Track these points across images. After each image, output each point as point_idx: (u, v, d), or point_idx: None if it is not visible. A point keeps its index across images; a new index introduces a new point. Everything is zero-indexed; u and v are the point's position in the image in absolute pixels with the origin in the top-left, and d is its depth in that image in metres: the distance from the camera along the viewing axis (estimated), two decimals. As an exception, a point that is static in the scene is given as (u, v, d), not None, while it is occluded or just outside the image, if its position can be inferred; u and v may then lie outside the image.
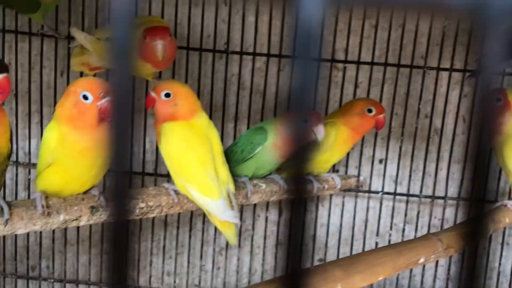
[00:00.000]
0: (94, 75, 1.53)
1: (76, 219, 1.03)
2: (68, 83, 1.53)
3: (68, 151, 0.99)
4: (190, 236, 1.64)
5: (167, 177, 1.59)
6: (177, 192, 1.17)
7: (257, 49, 1.54)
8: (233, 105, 1.58)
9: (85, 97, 0.98)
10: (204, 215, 1.64)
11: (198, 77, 1.55)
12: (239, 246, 1.66)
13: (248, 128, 1.58)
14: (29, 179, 1.60)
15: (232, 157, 1.28)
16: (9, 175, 1.58)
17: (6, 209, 0.93)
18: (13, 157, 1.60)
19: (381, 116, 1.38)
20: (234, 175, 1.23)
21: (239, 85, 1.56)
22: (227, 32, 1.52)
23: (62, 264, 1.65)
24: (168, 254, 1.67)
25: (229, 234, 1.15)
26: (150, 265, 1.66)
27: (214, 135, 1.18)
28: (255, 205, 1.61)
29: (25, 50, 1.55)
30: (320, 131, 1.22)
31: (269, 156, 1.28)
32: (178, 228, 1.64)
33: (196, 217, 1.65)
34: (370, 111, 1.37)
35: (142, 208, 1.12)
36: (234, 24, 1.53)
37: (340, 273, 0.78)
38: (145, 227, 1.64)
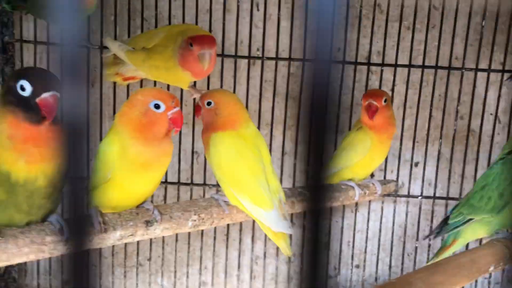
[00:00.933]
0: (128, 86, 1.51)
1: (132, 235, 1.00)
2: (101, 93, 1.51)
3: (131, 164, 0.96)
4: (227, 246, 1.62)
5: (203, 186, 1.57)
6: (227, 203, 1.14)
7: (292, 54, 1.52)
8: (268, 111, 1.56)
9: (157, 106, 0.96)
10: (241, 225, 1.61)
11: (233, 84, 1.53)
12: (277, 254, 1.63)
13: (283, 134, 1.56)
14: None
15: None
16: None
17: (66, 227, 0.90)
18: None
19: (367, 102, 1.32)
20: None
21: (274, 91, 1.54)
22: (262, 38, 1.50)
23: (98, 277, 1.62)
24: (204, 264, 1.64)
25: (283, 244, 1.13)
26: (187, 276, 1.63)
27: (263, 144, 1.16)
28: (292, 213, 1.59)
29: (56, 62, 1.52)
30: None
31: None
32: (215, 238, 1.61)
33: (231, 226, 1.62)
34: (385, 101, 1.33)
35: (195, 220, 1.09)
36: (268, 29, 1.51)
37: (423, 285, 0.76)
38: (181, 237, 1.61)
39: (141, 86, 1.52)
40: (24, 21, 1.50)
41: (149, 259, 1.64)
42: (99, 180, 0.99)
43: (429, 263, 1.19)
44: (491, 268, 0.91)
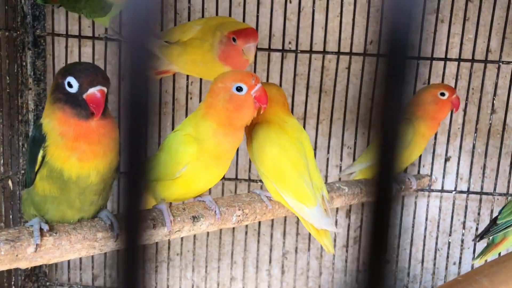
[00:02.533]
0: (160, 80, 1.50)
1: (179, 230, 0.99)
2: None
3: (208, 158, 0.97)
4: (258, 241, 1.61)
5: (234, 180, 1.55)
6: (269, 199, 1.13)
7: (326, 47, 1.50)
8: (300, 105, 1.54)
9: (239, 89, 0.94)
10: (272, 219, 1.60)
11: (266, 77, 1.51)
12: (308, 249, 1.62)
13: (316, 128, 1.54)
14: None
15: None
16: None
17: (116, 223, 0.89)
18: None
19: (454, 96, 1.34)
20: None
21: (308, 84, 1.52)
22: (296, 30, 1.48)
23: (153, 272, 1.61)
24: (234, 259, 1.63)
25: (326, 242, 1.11)
26: (218, 271, 1.62)
27: (305, 138, 1.14)
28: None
29: (87, 55, 1.51)
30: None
31: None
32: (246, 233, 1.60)
33: (262, 222, 1.61)
34: (443, 94, 1.34)
35: (239, 216, 1.08)
36: (301, 22, 1.49)
37: (487, 283, 0.75)
38: (212, 232, 1.60)
39: (173, 81, 1.51)
40: (56, 15, 1.48)
41: (180, 254, 1.63)
42: (165, 176, 0.98)
43: (478, 261, 1.18)
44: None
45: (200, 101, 1.51)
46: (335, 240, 1.61)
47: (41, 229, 0.82)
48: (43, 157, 0.83)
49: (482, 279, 0.73)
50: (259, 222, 1.60)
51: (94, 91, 0.84)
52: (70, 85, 0.84)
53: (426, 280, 1.65)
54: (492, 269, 0.79)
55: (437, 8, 1.48)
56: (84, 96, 0.84)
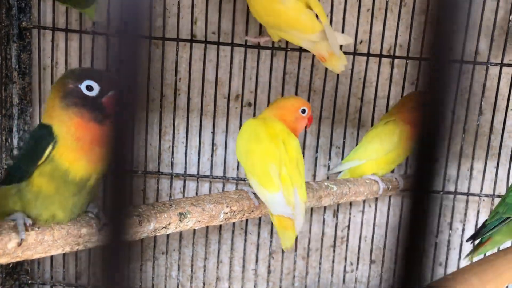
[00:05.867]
0: (148, 75, 1.48)
1: (165, 227, 0.97)
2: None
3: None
4: (245, 240, 1.59)
5: (222, 179, 1.54)
6: (256, 196, 1.12)
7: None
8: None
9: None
10: (259, 219, 1.59)
11: (256, 73, 1.50)
12: (295, 249, 1.61)
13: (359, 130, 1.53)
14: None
15: None
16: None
17: (102, 214, 0.88)
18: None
19: None
20: None
21: (297, 83, 1.51)
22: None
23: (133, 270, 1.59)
24: (220, 258, 1.62)
25: (285, 236, 1.08)
26: (204, 270, 1.61)
27: (291, 141, 1.14)
28: (311, 208, 1.57)
29: (74, 49, 1.48)
30: None
31: None
32: (232, 232, 1.59)
33: (249, 220, 1.60)
34: None
35: (227, 213, 1.06)
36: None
37: (476, 281, 0.75)
38: (198, 231, 1.59)
39: (162, 77, 1.49)
40: (42, 7, 1.46)
41: (165, 253, 1.61)
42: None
43: (469, 259, 1.18)
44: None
45: (188, 97, 1.50)
46: (322, 240, 1.61)
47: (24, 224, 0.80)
48: (49, 154, 0.81)
49: (471, 277, 0.73)
50: (246, 221, 1.59)
51: (113, 94, 0.84)
52: (89, 89, 0.84)
53: (412, 281, 1.64)
54: (480, 268, 0.79)
55: (426, 9, 1.48)
56: (103, 99, 0.85)
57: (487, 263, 0.81)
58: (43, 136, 0.82)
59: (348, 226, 1.61)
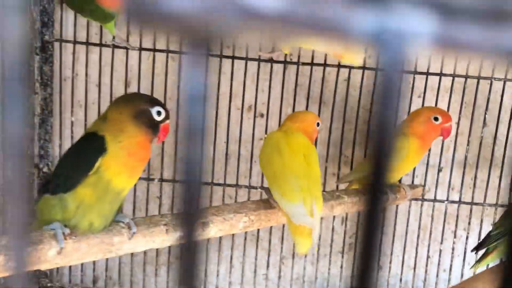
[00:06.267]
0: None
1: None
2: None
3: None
4: (257, 246, 1.65)
5: (235, 186, 1.60)
6: (272, 205, 1.19)
7: (327, 61, 1.56)
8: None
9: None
10: (271, 227, 1.65)
11: (268, 87, 1.56)
12: (305, 255, 1.67)
13: (367, 141, 1.59)
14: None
15: None
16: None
17: (132, 223, 0.95)
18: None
19: (447, 124, 1.40)
20: None
21: (308, 95, 1.57)
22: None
23: (129, 275, 1.65)
24: (233, 263, 1.68)
25: (301, 243, 1.14)
26: (217, 275, 1.66)
27: (312, 155, 1.20)
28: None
29: (94, 62, 1.54)
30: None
31: None
32: (245, 238, 1.64)
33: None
34: (436, 119, 1.39)
35: (246, 222, 1.12)
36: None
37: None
38: (212, 238, 1.64)
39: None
40: (64, 21, 1.52)
41: (179, 258, 1.66)
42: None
43: (473, 270, 1.23)
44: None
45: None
46: (331, 246, 1.67)
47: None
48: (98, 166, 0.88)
49: (479, 286, 0.79)
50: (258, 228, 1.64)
51: (168, 122, 0.99)
52: (159, 114, 0.96)
53: (417, 286, 1.70)
54: (489, 277, 0.85)
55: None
56: (162, 125, 0.97)
57: (496, 273, 0.87)
58: (97, 148, 0.89)
59: (356, 233, 1.67)
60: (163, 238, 0.99)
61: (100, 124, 0.95)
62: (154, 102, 0.97)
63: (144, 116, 0.94)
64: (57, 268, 1.64)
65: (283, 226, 1.64)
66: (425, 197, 1.63)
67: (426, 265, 1.67)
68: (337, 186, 1.61)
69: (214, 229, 1.07)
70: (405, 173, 1.50)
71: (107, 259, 1.63)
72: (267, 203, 1.19)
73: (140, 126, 0.93)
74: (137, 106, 0.95)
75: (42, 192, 0.94)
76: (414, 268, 1.68)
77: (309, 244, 1.15)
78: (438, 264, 1.67)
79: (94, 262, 1.63)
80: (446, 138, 1.43)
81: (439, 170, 1.64)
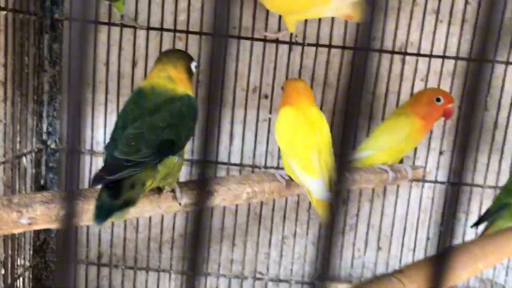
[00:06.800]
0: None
1: (196, 204, 1.06)
2: (145, 73, 1.56)
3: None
4: (259, 225, 1.68)
5: (239, 166, 1.63)
6: (282, 177, 1.22)
7: (332, 42, 1.58)
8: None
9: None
10: (273, 205, 1.68)
11: (273, 68, 1.59)
12: (306, 234, 1.70)
13: (370, 123, 1.62)
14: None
15: None
16: (87, 164, 1.61)
17: (179, 193, 1.02)
18: (89, 146, 1.62)
19: (450, 105, 1.42)
20: None
21: (313, 77, 1.60)
22: (304, 25, 1.56)
23: (133, 251, 1.68)
24: (235, 241, 1.71)
25: (322, 213, 1.19)
26: (220, 253, 1.70)
27: (323, 126, 1.23)
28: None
29: (102, 41, 1.57)
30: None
31: None
32: (248, 216, 1.67)
33: (264, 206, 1.69)
34: (438, 100, 1.42)
35: (249, 193, 1.15)
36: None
37: (479, 251, 0.83)
38: (215, 216, 1.67)
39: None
40: None
41: (183, 235, 1.70)
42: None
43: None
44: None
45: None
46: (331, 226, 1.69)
47: None
48: None
49: (474, 248, 0.82)
50: (261, 207, 1.67)
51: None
52: (196, 68, 1.12)
53: (417, 268, 1.73)
54: (482, 241, 0.88)
55: (437, 9, 1.56)
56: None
57: (488, 238, 0.90)
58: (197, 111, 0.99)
59: (357, 214, 1.70)
60: (169, 205, 1.02)
61: (171, 83, 1.03)
62: (191, 57, 1.11)
63: (191, 72, 1.08)
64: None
65: (285, 204, 1.67)
66: (426, 179, 1.65)
67: (426, 247, 1.70)
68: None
69: (219, 198, 1.10)
70: (407, 152, 1.53)
71: (112, 236, 1.66)
72: (271, 176, 1.22)
73: (191, 81, 1.06)
74: (187, 63, 1.08)
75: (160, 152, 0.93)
76: (414, 250, 1.70)
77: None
78: (438, 246, 1.69)
79: (99, 238, 1.66)
80: (448, 119, 1.46)
81: (441, 153, 1.67)
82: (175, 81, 1.03)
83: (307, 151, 1.17)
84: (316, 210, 1.21)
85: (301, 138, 1.19)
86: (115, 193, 0.83)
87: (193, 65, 1.10)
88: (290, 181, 1.24)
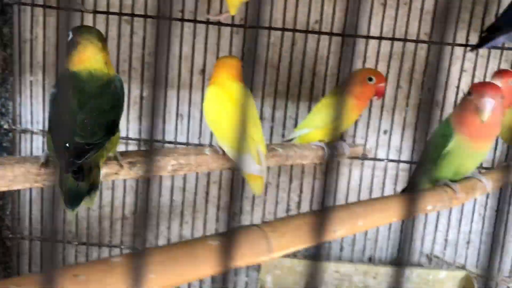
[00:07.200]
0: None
1: (116, 173, 1.12)
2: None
3: None
4: (206, 201, 1.75)
5: (186, 145, 1.69)
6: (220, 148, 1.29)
7: (272, 24, 1.64)
8: (248, 78, 1.68)
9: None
10: (220, 183, 1.74)
11: (216, 50, 1.65)
12: (252, 210, 1.76)
13: (262, 100, 1.68)
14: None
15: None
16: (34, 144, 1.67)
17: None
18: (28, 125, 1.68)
19: (381, 85, 1.48)
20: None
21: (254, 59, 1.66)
22: (245, 7, 1.61)
23: (85, 228, 1.75)
24: (185, 219, 1.77)
25: (254, 186, 1.25)
26: (168, 229, 1.76)
27: (248, 100, 1.29)
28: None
29: (52, 25, 1.63)
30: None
31: None
32: (195, 194, 1.74)
33: (211, 184, 1.75)
34: (370, 79, 1.47)
35: (174, 165, 1.21)
36: None
37: (361, 210, 0.89)
38: (164, 193, 1.74)
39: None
40: (22, -15, 1.60)
41: (134, 213, 1.76)
42: None
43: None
44: (429, 207, 1.05)
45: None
46: (276, 204, 1.76)
47: None
48: None
49: (355, 207, 0.88)
50: (208, 185, 1.74)
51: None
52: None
53: (360, 246, 1.80)
54: (370, 203, 0.94)
55: (372, -8, 1.62)
56: None
57: (378, 201, 0.96)
58: None
59: (301, 191, 1.76)
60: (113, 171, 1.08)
61: (105, 67, 1.07)
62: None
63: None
64: (18, 221, 1.74)
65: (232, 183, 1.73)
66: (366, 156, 1.71)
67: (368, 223, 1.76)
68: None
69: (142, 169, 1.15)
70: (343, 130, 1.59)
71: (64, 214, 1.73)
72: (198, 150, 1.28)
73: None
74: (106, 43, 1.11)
75: None
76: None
77: (261, 185, 1.26)
78: (380, 221, 1.76)
79: (53, 216, 1.72)
80: (380, 97, 1.52)
81: (383, 133, 1.73)
82: (108, 64, 1.07)
83: (232, 128, 1.23)
84: (248, 182, 1.28)
85: (225, 116, 1.24)
86: (79, 177, 0.93)
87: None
88: (223, 155, 1.29)
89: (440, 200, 1.07)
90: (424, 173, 1.30)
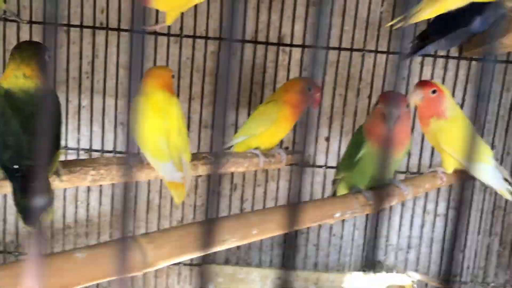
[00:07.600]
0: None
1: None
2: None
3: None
4: (147, 210, 1.75)
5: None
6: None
7: (209, 34, 1.66)
8: (187, 86, 1.69)
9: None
10: (160, 192, 1.75)
11: (153, 60, 1.66)
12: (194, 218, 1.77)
13: (201, 108, 1.69)
14: None
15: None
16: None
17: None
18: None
19: (318, 94, 1.50)
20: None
21: (192, 68, 1.67)
22: (181, 17, 1.63)
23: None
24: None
25: (175, 193, 1.26)
26: (146, 223, 1.77)
27: (173, 110, 1.29)
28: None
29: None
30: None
31: None
32: (135, 203, 1.75)
33: (153, 193, 1.76)
34: (309, 89, 1.49)
35: (93, 175, 1.22)
36: (191, 10, 1.64)
37: (256, 219, 0.90)
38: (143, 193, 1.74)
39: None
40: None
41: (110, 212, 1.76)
42: None
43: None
44: (337, 215, 1.07)
45: (92, 80, 1.64)
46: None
47: None
48: None
49: (250, 217, 0.89)
50: (148, 192, 1.74)
51: None
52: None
53: (308, 249, 1.82)
54: (266, 212, 0.95)
55: (307, 1, 1.64)
56: None
57: (276, 210, 0.97)
58: None
59: (247, 199, 1.78)
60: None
61: (37, 82, 1.07)
62: (45, 48, 1.10)
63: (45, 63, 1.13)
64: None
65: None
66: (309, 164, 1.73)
67: (308, 228, 1.78)
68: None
69: (65, 179, 1.16)
70: (279, 138, 1.61)
71: (5, 223, 1.73)
72: (121, 160, 1.29)
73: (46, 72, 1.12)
74: (42, 57, 1.11)
75: None
76: (308, 233, 1.78)
77: (183, 194, 1.27)
78: (330, 228, 1.78)
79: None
80: (316, 107, 1.54)
81: (320, 139, 1.75)
82: (34, 77, 1.07)
83: (154, 137, 1.24)
84: (170, 190, 1.29)
85: (147, 126, 1.25)
86: (34, 194, 0.94)
87: (46, 55, 1.13)
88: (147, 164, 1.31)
89: (348, 207, 1.09)
90: (341, 180, 1.33)
